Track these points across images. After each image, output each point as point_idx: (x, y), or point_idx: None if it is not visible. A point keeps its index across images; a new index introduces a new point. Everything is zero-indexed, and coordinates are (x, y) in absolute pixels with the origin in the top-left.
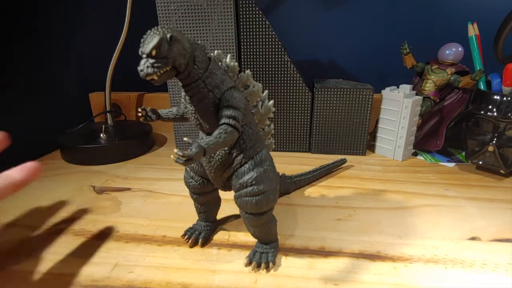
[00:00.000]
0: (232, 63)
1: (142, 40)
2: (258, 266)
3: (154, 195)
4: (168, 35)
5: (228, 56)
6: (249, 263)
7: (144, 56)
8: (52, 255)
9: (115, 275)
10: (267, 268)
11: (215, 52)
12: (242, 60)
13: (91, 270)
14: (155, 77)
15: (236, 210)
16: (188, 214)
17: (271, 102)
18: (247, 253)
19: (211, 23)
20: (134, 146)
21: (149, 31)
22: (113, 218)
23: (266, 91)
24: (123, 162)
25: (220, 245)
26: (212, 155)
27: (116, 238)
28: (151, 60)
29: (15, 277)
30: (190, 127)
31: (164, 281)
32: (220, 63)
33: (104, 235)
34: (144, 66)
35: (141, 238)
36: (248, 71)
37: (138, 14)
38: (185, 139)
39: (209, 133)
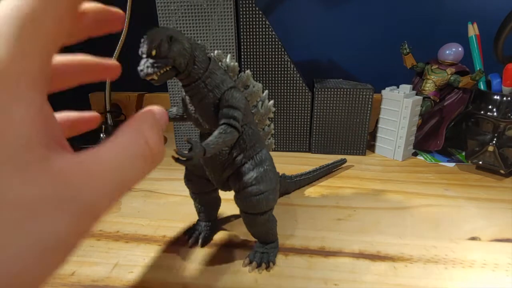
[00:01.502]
0: (232, 63)
1: (142, 40)
2: (259, 266)
3: (154, 195)
4: (168, 35)
5: (228, 56)
6: (249, 263)
7: (144, 56)
8: None
9: (115, 275)
10: (267, 268)
11: (215, 52)
12: (242, 60)
13: (91, 270)
14: (155, 77)
15: (236, 210)
16: (188, 214)
17: (271, 102)
18: (247, 253)
19: (211, 23)
20: None
21: (149, 31)
22: (113, 218)
23: (266, 91)
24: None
25: (220, 245)
26: (212, 155)
27: (116, 238)
28: (151, 60)
29: None
30: (190, 127)
31: (164, 281)
32: (220, 63)
33: (104, 235)
34: (144, 66)
35: (141, 238)
36: (248, 71)
37: (138, 14)
38: (185, 139)
39: (209, 133)
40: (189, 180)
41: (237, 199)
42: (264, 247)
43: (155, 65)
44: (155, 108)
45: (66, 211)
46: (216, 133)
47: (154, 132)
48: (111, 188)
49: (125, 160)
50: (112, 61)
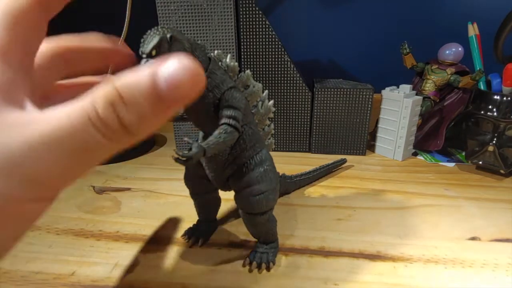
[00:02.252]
0: (232, 63)
1: (142, 40)
2: (258, 266)
3: (154, 195)
4: (168, 35)
5: (228, 56)
6: (249, 263)
7: (144, 56)
8: (52, 255)
9: (115, 275)
10: (268, 268)
11: (215, 52)
12: (242, 60)
13: (90, 271)
14: None
15: (236, 210)
16: (188, 214)
17: (271, 102)
18: (247, 253)
19: (211, 23)
20: (134, 146)
21: (149, 31)
22: (113, 218)
23: (266, 91)
24: (123, 162)
25: (220, 245)
26: (212, 155)
27: (115, 238)
28: (151, 60)
29: (15, 277)
30: (190, 127)
31: (164, 281)
32: (220, 63)
33: (104, 235)
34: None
35: (141, 238)
36: (248, 71)
37: (138, 14)
38: (185, 139)
39: (209, 133)
40: (189, 180)
41: (237, 199)
42: (264, 247)
43: None
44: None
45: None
46: (216, 133)
47: (108, 108)
48: (57, 155)
49: (72, 129)
50: (124, 48)
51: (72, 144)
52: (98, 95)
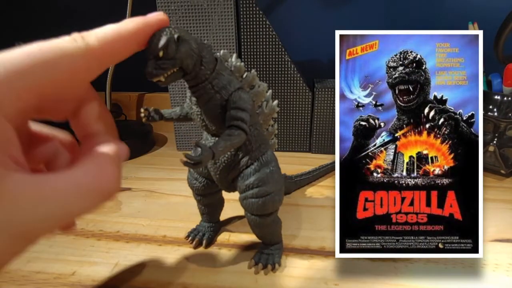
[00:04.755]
0: (238, 63)
1: (149, 41)
2: (264, 267)
3: (154, 195)
4: (176, 36)
5: (234, 56)
6: (254, 265)
7: (151, 57)
8: (53, 255)
9: (115, 275)
10: (273, 269)
11: (221, 51)
12: (243, 60)
13: (91, 270)
14: (162, 79)
15: (239, 211)
16: (188, 214)
17: (275, 102)
18: (248, 253)
19: (211, 23)
20: (134, 146)
21: (156, 32)
22: (113, 218)
23: (270, 91)
24: (123, 162)
25: (221, 246)
26: None
27: (116, 238)
28: (158, 61)
29: (15, 277)
30: (191, 127)
31: (164, 281)
32: (226, 63)
33: (104, 235)
34: (152, 67)
35: (141, 238)
36: (253, 71)
37: (138, 14)
38: (194, 141)
39: (215, 134)
40: (193, 181)
41: (243, 201)
42: (269, 249)
43: (162, 66)
44: (118, 144)
45: (2, 232)
46: (224, 135)
47: (114, 170)
48: (54, 216)
49: (78, 194)
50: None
51: (73, 214)
52: (110, 172)
